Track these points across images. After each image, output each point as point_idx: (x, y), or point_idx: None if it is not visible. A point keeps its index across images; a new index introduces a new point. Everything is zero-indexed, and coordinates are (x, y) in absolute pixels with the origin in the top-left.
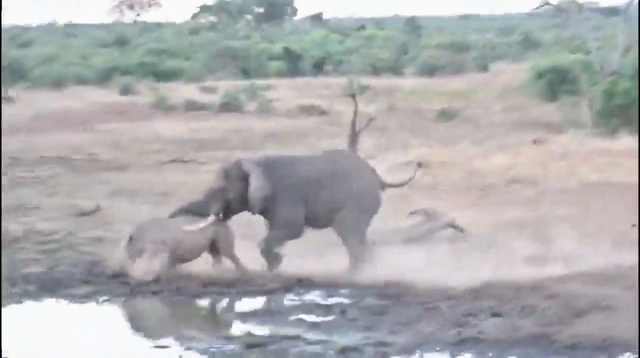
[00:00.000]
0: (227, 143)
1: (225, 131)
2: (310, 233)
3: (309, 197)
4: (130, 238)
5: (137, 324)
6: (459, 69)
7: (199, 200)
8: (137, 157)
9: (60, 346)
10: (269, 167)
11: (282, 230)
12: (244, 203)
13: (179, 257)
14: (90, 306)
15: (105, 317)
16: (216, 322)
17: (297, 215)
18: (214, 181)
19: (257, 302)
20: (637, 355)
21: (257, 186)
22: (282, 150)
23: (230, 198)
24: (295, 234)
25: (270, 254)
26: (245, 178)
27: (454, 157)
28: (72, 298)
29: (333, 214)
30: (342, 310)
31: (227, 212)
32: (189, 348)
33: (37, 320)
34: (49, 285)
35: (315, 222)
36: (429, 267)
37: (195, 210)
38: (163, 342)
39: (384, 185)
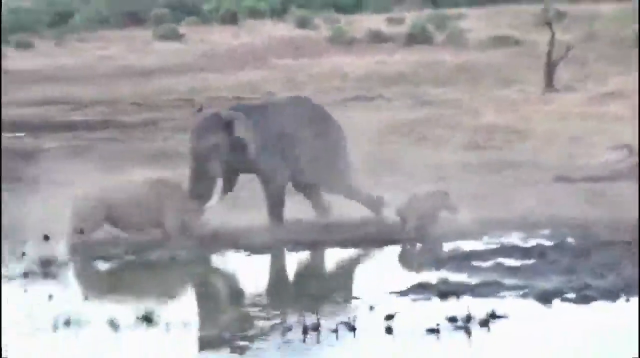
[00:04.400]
0: (415, 77)
1: (413, 64)
2: None
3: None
4: None
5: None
6: None
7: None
8: (317, 95)
9: None
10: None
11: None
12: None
13: None
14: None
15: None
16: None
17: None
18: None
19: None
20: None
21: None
22: (476, 86)
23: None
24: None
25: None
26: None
27: None
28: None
29: None
30: (542, 253)
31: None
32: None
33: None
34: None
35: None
36: (631, 204)
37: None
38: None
39: None
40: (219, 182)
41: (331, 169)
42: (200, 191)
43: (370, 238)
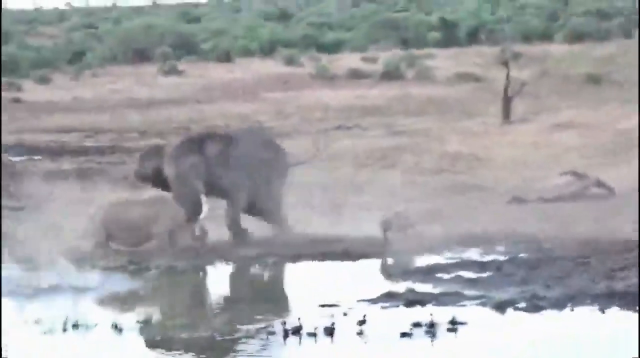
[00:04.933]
0: (389, 109)
1: (387, 98)
2: None
3: None
4: None
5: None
6: (605, 36)
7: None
8: (302, 124)
9: None
10: None
11: None
12: None
13: None
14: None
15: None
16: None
17: None
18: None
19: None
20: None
21: None
22: (442, 117)
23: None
24: None
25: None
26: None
27: (601, 118)
28: None
29: None
30: (498, 266)
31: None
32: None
33: None
34: None
35: None
36: (579, 223)
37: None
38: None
39: None
40: (203, 198)
41: (275, 193)
42: (189, 208)
43: (342, 253)
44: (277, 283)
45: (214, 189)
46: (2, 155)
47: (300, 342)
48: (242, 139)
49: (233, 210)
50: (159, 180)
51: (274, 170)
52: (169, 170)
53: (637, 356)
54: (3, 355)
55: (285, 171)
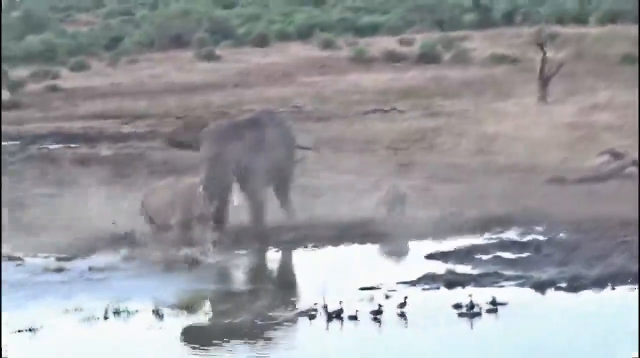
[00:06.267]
0: (426, 91)
1: (424, 80)
2: None
3: None
4: None
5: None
6: None
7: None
8: (339, 108)
9: None
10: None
11: None
12: None
13: None
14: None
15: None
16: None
17: None
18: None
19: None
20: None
21: None
22: (480, 97)
23: None
24: None
25: None
26: None
27: (637, 98)
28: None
29: None
30: (537, 246)
31: None
32: (392, 290)
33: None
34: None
35: None
36: (617, 202)
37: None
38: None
39: None
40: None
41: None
42: (216, 193)
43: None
44: (312, 267)
45: (242, 178)
46: (38, 144)
47: (342, 326)
48: (262, 123)
49: (256, 201)
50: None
51: (289, 153)
52: (205, 150)
53: (637, 356)
54: (3, 355)
55: (295, 154)
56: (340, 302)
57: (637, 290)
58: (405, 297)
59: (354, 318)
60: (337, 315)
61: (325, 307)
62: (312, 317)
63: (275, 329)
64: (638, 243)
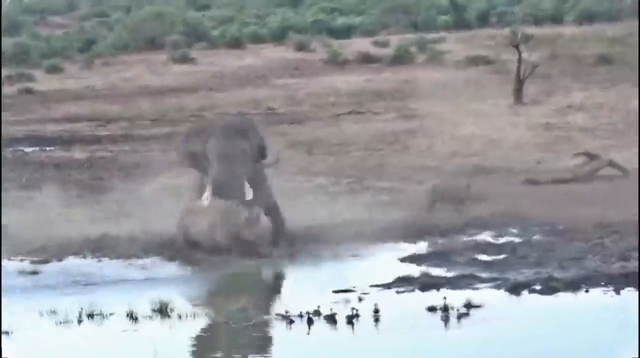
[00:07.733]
0: (401, 93)
1: (398, 82)
2: None
3: None
4: None
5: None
6: (616, 16)
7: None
8: (313, 110)
9: None
10: None
11: None
12: None
13: None
14: None
15: None
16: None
17: None
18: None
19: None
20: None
21: None
22: (454, 99)
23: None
24: None
25: None
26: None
27: (612, 99)
28: None
29: None
30: (513, 248)
31: None
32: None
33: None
34: None
35: None
36: (592, 204)
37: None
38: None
39: None
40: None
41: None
42: (229, 191)
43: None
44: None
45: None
46: (13, 147)
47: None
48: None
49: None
50: (200, 162)
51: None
52: (214, 148)
53: (638, 356)
54: (3, 355)
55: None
56: (319, 306)
57: (637, 292)
58: (376, 304)
59: (330, 320)
60: (310, 319)
61: (302, 311)
62: (288, 321)
63: (249, 332)
64: (638, 243)
